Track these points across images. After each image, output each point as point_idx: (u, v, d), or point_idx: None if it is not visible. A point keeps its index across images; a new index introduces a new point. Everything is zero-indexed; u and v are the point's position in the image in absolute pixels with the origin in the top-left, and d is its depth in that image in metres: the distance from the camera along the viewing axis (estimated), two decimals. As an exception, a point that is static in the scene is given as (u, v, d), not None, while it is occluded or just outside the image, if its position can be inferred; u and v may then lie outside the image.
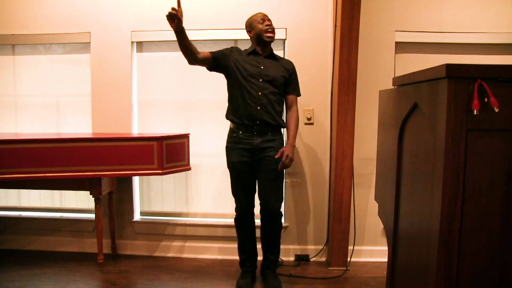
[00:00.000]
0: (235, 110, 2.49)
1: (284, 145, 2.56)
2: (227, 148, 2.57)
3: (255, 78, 2.45)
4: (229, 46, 2.60)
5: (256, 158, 2.48)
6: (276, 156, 2.40)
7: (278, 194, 2.53)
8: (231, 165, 2.54)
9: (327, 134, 3.04)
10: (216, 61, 2.48)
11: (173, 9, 2.16)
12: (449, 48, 3.03)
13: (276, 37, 2.93)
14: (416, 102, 1.44)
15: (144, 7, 3.08)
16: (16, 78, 3.31)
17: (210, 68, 2.51)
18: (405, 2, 2.98)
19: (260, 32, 2.48)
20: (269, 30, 2.47)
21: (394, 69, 3.02)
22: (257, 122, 2.44)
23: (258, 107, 2.43)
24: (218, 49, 2.55)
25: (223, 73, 2.55)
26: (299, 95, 2.63)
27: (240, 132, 2.48)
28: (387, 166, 1.79)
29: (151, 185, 3.30)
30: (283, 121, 2.57)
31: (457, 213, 1.20)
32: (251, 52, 2.53)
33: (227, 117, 2.56)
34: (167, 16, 2.18)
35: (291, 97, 2.59)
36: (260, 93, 2.44)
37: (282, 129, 2.62)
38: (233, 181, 2.57)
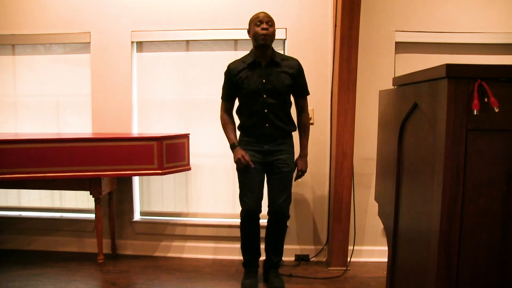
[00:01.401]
0: (244, 126, 2.51)
1: (293, 149, 2.59)
2: None
3: (259, 94, 2.41)
4: (222, 63, 2.56)
5: (266, 161, 2.48)
6: (295, 177, 2.60)
7: (287, 195, 2.53)
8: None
9: (327, 134, 3.04)
10: (234, 99, 2.57)
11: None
12: (449, 48, 3.03)
13: (276, 37, 2.93)
14: (416, 102, 1.44)
15: (144, 7, 3.08)
16: (16, 78, 3.31)
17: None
18: (405, 2, 2.98)
19: (255, 35, 2.39)
20: (263, 34, 2.35)
21: (394, 69, 3.02)
22: (267, 135, 2.46)
23: (266, 124, 2.43)
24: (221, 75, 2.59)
25: None
26: (308, 94, 2.59)
27: (252, 136, 2.50)
28: (387, 166, 1.79)
29: (151, 185, 3.30)
30: (293, 125, 2.56)
31: (457, 213, 1.20)
32: (251, 64, 2.44)
33: (238, 128, 2.59)
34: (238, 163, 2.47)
35: (300, 101, 2.59)
36: (266, 110, 2.42)
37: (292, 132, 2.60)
38: (241, 182, 2.52)
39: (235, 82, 2.48)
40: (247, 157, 2.44)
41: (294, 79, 2.47)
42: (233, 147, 2.53)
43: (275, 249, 2.63)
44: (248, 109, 2.47)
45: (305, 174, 3.07)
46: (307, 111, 2.61)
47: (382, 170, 1.91)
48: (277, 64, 2.45)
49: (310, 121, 3.02)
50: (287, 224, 2.62)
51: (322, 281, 2.73)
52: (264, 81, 2.41)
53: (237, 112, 2.59)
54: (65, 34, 3.16)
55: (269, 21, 2.40)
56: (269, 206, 2.54)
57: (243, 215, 2.51)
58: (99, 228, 2.84)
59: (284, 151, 2.49)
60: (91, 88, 3.17)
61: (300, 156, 2.61)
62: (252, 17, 2.46)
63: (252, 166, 2.45)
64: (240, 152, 2.46)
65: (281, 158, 2.47)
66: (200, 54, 3.17)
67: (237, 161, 2.46)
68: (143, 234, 3.24)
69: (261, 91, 2.41)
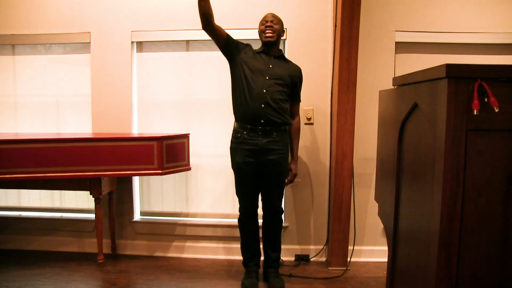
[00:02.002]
0: (240, 108, 2.47)
1: (288, 147, 2.60)
2: (231, 148, 2.56)
3: (261, 75, 2.44)
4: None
5: (260, 160, 2.48)
6: (287, 179, 2.63)
7: (280, 192, 2.60)
8: (235, 165, 2.54)
9: (327, 134, 3.04)
10: (228, 45, 2.50)
11: None
12: (449, 48, 3.03)
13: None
14: (416, 102, 1.44)
15: (144, 7, 3.08)
16: (16, 78, 3.31)
17: (220, 47, 2.52)
18: (405, 2, 2.98)
19: (260, 32, 2.54)
20: (267, 31, 2.48)
21: (394, 69, 3.02)
22: (262, 121, 2.42)
23: (262, 105, 2.40)
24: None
25: (228, 61, 2.55)
26: (300, 101, 2.69)
27: (245, 132, 2.47)
28: (387, 166, 1.79)
29: (151, 185, 3.30)
30: (289, 118, 2.56)
31: (457, 213, 1.20)
32: (261, 52, 2.54)
33: (235, 113, 2.55)
34: None
35: (295, 106, 2.65)
36: (264, 90, 2.41)
37: (287, 127, 2.60)
38: (237, 182, 2.57)
39: (240, 53, 2.49)
40: None
41: (295, 81, 2.57)
42: None
43: (273, 245, 2.66)
44: (246, 88, 2.43)
45: (305, 174, 3.10)
46: (299, 116, 2.71)
47: (382, 170, 1.91)
48: (285, 59, 2.58)
49: (310, 121, 3.03)
50: (283, 220, 2.71)
51: (322, 281, 2.73)
52: (270, 66, 2.49)
53: (233, 96, 2.54)
54: (65, 34, 3.16)
55: (274, 20, 2.52)
56: (263, 204, 2.61)
57: (242, 210, 2.60)
58: (99, 228, 2.84)
59: (278, 150, 2.48)
60: (91, 88, 3.17)
61: (293, 160, 2.66)
62: (262, 17, 2.58)
63: None
64: None
65: (274, 159, 2.47)
66: (200, 54, 3.17)
67: None
68: (143, 234, 3.24)
69: (265, 72, 2.45)
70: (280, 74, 2.47)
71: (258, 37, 2.60)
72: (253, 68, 2.45)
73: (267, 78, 2.44)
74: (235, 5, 3.03)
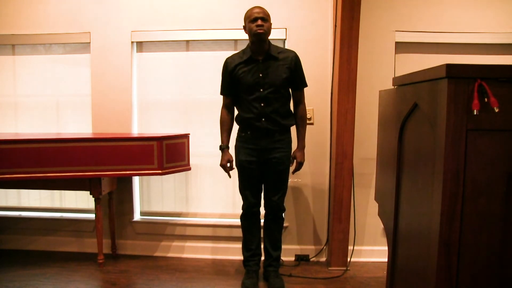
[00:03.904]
0: (241, 119, 2.54)
1: (292, 143, 2.60)
2: (236, 146, 2.60)
3: (256, 89, 2.43)
4: (222, 63, 2.56)
5: (264, 158, 2.50)
6: (292, 167, 2.59)
7: (283, 190, 2.60)
8: (239, 163, 2.57)
9: (327, 134, 3.04)
10: (233, 94, 2.55)
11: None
12: (449, 48, 3.03)
13: (276, 37, 2.93)
14: (416, 102, 1.43)
15: (144, 7, 3.08)
16: (16, 78, 3.31)
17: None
18: (405, 2, 2.98)
19: (251, 31, 2.40)
20: (259, 31, 2.36)
21: (394, 69, 3.02)
22: (264, 130, 2.46)
23: (263, 119, 2.44)
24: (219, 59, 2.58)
25: None
26: (305, 86, 2.58)
27: (249, 132, 2.50)
28: (387, 166, 1.79)
29: (151, 185, 3.30)
30: (291, 118, 2.56)
31: (457, 213, 1.19)
32: (248, 60, 2.45)
33: (236, 120, 2.60)
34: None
35: (297, 94, 2.58)
36: (262, 104, 2.43)
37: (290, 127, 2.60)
38: (240, 179, 2.59)
39: (233, 76, 2.49)
40: (228, 168, 2.58)
41: (291, 72, 2.47)
42: (221, 148, 2.61)
43: (274, 243, 2.66)
44: (245, 103, 2.48)
45: (305, 174, 3.10)
46: (304, 103, 2.60)
47: (382, 170, 1.91)
48: (274, 58, 2.45)
49: (310, 121, 3.02)
50: (284, 217, 2.71)
51: (322, 281, 2.73)
52: (261, 75, 2.43)
53: (236, 104, 2.60)
54: (65, 34, 3.16)
55: (264, 17, 2.40)
56: (265, 201, 2.62)
57: (245, 207, 2.61)
58: (99, 228, 2.84)
59: (281, 149, 2.50)
60: (91, 88, 3.17)
61: (298, 148, 2.61)
62: (247, 13, 2.46)
63: (230, 177, 2.62)
64: (226, 158, 2.58)
65: (277, 157, 2.49)
66: (200, 54, 3.17)
67: (222, 166, 2.61)
68: (143, 234, 3.24)
69: (258, 85, 2.42)
70: (274, 79, 2.41)
71: (247, 33, 2.46)
72: (247, 84, 2.44)
73: (262, 90, 2.42)
74: (236, 5, 3.02)
